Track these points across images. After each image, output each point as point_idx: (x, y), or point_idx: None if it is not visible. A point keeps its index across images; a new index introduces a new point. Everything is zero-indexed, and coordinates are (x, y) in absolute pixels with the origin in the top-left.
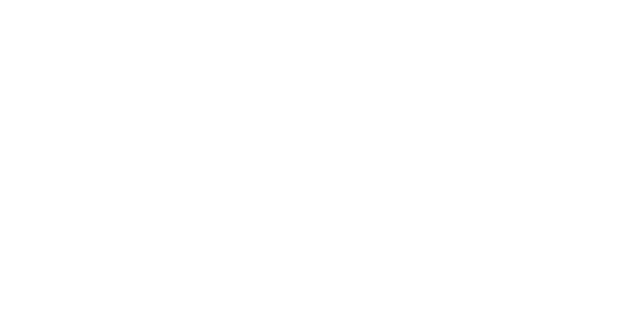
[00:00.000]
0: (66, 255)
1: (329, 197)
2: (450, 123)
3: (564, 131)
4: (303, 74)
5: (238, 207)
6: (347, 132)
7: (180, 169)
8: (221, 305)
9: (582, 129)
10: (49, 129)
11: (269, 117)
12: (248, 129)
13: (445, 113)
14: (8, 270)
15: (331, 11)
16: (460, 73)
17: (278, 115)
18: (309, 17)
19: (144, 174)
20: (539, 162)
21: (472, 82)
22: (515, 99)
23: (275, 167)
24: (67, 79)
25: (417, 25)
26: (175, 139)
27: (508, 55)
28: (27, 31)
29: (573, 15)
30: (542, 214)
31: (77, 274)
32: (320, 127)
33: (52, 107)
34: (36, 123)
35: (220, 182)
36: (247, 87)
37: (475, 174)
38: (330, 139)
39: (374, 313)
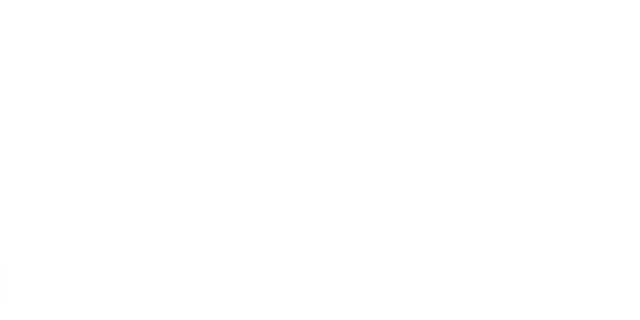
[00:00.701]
0: (65, 254)
1: (328, 196)
2: (450, 122)
3: (562, 130)
4: (303, 73)
5: (237, 206)
6: (346, 131)
7: (179, 168)
8: (220, 304)
9: (581, 128)
10: (49, 129)
11: (268, 116)
12: (248, 128)
13: (445, 112)
14: (8, 271)
15: (331, 11)
16: (460, 73)
17: (278, 115)
18: (309, 17)
19: (143, 173)
20: (537, 160)
21: (472, 82)
22: (514, 98)
23: (274, 166)
24: (67, 79)
25: (417, 26)
26: (174, 138)
27: (508, 55)
28: (28, 31)
29: (573, 15)
30: (540, 212)
31: (75, 274)
32: (320, 126)
33: (52, 107)
34: (37, 122)
35: (219, 181)
36: (247, 87)
37: (474, 173)
38: (329, 137)
39: (372, 313)
